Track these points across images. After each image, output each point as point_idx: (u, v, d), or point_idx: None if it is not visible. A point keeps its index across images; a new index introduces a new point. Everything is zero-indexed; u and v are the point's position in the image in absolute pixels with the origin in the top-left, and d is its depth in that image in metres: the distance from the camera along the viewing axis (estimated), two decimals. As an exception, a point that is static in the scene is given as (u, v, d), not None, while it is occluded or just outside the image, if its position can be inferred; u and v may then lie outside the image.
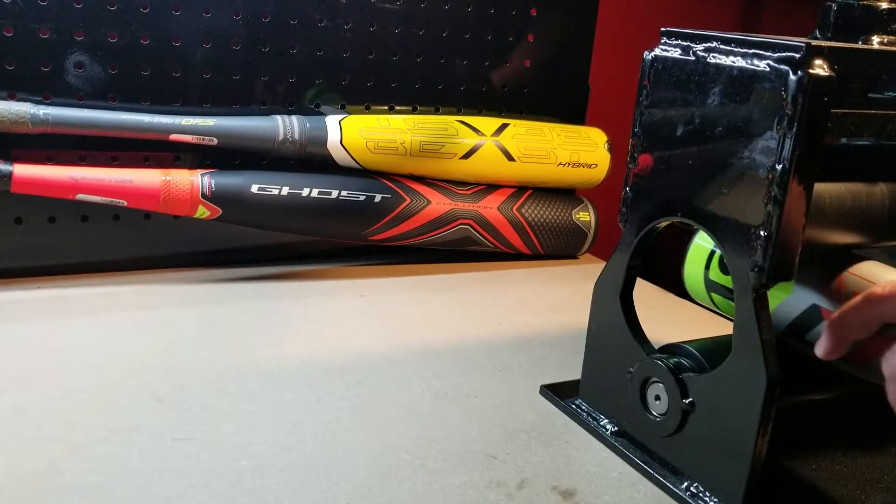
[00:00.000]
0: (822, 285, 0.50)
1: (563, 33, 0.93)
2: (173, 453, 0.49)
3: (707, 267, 0.56)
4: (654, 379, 0.51)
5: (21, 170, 0.68)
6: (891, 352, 0.42)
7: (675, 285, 0.61)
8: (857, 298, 0.44)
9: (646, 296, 0.57)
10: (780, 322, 0.52)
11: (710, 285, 0.56)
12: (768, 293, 0.47)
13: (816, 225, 0.48)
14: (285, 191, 0.77)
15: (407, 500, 0.47)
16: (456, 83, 0.89)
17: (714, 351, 0.50)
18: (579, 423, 0.57)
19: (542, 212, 0.89)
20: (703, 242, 0.57)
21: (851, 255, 0.51)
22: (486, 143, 0.85)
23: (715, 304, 0.57)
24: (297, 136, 0.77)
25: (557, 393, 0.60)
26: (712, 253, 0.56)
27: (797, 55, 0.42)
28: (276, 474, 0.48)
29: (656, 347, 0.54)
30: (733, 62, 0.45)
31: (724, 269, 0.55)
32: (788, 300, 0.51)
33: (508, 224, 0.88)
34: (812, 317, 0.51)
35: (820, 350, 0.45)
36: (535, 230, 0.89)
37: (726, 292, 0.55)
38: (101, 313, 0.69)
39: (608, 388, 0.56)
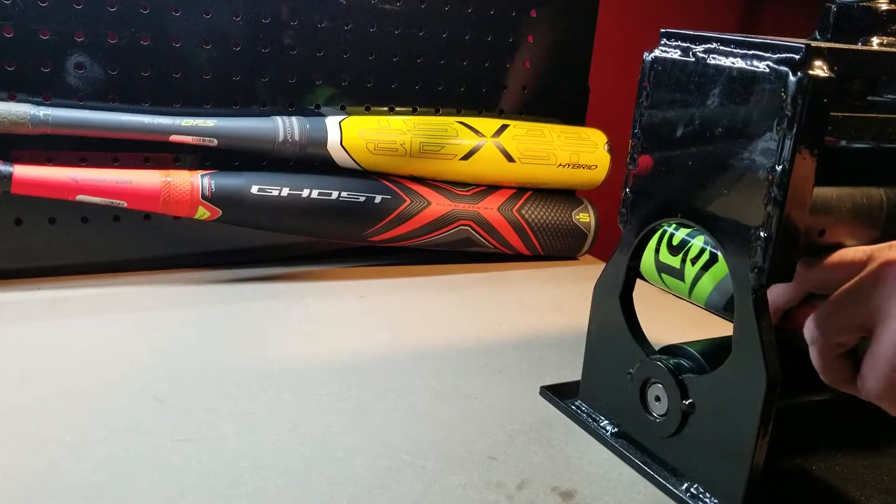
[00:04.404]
0: None
1: (563, 34, 0.93)
2: (173, 454, 0.49)
3: (657, 250, 0.57)
4: (654, 380, 0.51)
5: (21, 171, 0.68)
6: (811, 318, 0.45)
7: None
8: None
9: (646, 296, 0.57)
10: (723, 296, 0.54)
11: (661, 266, 0.57)
12: (713, 268, 0.49)
13: (816, 226, 0.48)
14: (285, 192, 0.77)
15: (407, 501, 0.47)
16: (456, 84, 0.89)
17: (714, 352, 0.50)
18: (579, 425, 0.57)
19: (542, 213, 0.89)
20: None
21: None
22: (485, 144, 0.85)
23: (666, 285, 0.59)
24: (296, 137, 0.77)
25: (557, 394, 0.60)
26: (662, 234, 0.57)
27: (797, 56, 0.42)
28: (276, 475, 0.48)
29: (656, 348, 0.54)
30: (733, 63, 0.45)
31: (671, 250, 0.57)
32: (727, 279, 0.53)
33: (508, 225, 0.88)
34: None
35: None
36: (535, 231, 0.89)
37: (675, 272, 0.57)
38: (100, 314, 0.69)
39: (608, 389, 0.56)
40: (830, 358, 0.46)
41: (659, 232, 0.58)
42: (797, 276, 0.47)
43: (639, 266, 0.55)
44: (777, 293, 0.49)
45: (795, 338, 0.48)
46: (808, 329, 0.46)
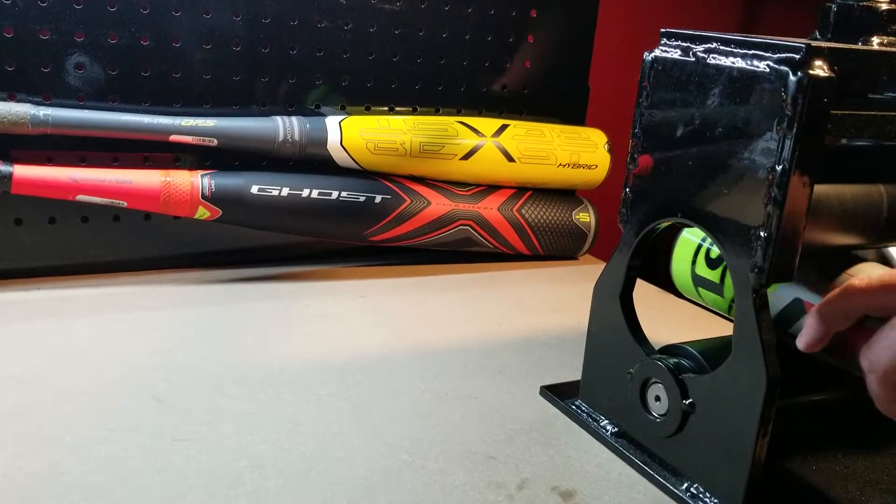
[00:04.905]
0: (806, 279, 0.50)
1: (563, 34, 0.93)
2: (173, 454, 0.49)
3: (694, 262, 0.56)
4: (655, 380, 0.51)
5: (21, 171, 0.68)
6: (869, 344, 0.42)
7: (670, 284, 0.61)
8: (837, 291, 0.44)
9: (646, 296, 0.57)
10: None
11: (697, 280, 0.56)
12: None
13: (816, 225, 0.48)
14: (285, 192, 0.77)
15: (407, 500, 0.47)
16: (456, 84, 0.89)
17: (714, 352, 0.50)
18: (579, 424, 0.57)
19: (542, 213, 0.89)
20: (690, 237, 0.57)
21: (849, 256, 0.51)
22: (486, 143, 0.85)
23: (702, 299, 0.57)
24: (296, 136, 0.77)
25: (557, 394, 0.60)
26: (699, 248, 0.56)
27: (797, 56, 0.42)
28: (276, 475, 0.48)
29: (656, 348, 0.54)
30: (733, 63, 0.45)
31: (710, 263, 0.55)
32: (772, 294, 0.52)
33: (508, 225, 0.88)
34: (795, 311, 0.51)
35: (801, 342, 0.46)
36: (535, 231, 0.89)
37: (713, 286, 0.55)
38: (100, 314, 0.69)
39: (608, 388, 0.56)
40: (891, 387, 0.41)
41: (687, 241, 0.57)
42: (851, 297, 0.43)
43: (639, 266, 0.54)
44: (829, 317, 0.44)
45: (848, 362, 0.46)
46: (866, 356, 0.42)
